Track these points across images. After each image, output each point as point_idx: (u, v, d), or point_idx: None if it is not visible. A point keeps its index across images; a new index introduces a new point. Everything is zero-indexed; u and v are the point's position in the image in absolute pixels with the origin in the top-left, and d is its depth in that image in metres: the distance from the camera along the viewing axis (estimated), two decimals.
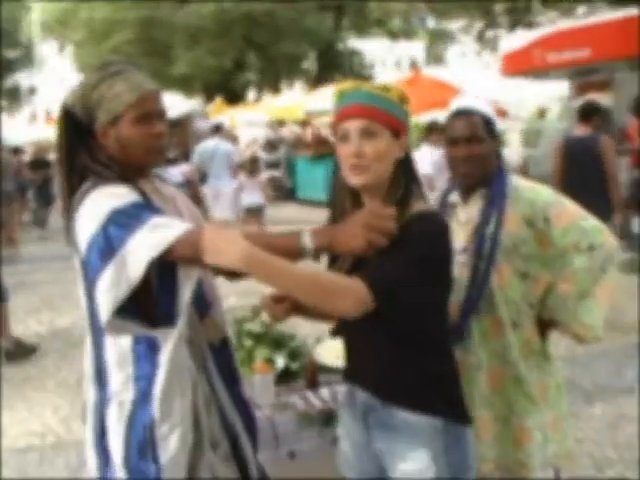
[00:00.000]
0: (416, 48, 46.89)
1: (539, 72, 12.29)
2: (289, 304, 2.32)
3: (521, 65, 12.08)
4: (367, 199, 2.19)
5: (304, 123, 19.93)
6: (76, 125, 2.24)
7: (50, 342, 7.36)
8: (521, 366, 2.72)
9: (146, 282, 2.04)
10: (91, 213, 2.09)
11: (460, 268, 2.59)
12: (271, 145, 19.57)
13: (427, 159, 8.49)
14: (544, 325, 2.80)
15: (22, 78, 51.60)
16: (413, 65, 34.47)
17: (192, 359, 2.24)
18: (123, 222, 2.03)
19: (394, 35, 38.69)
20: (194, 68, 30.57)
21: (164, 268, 2.07)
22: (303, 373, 3.32)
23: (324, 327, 3.32)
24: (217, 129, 12.05)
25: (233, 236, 1.92)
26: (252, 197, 11.06)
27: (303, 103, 22.14)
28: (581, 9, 22.01)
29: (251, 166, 11.30)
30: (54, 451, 4.80)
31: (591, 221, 2.69)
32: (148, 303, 2.13)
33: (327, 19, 32.67)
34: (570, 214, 2.67)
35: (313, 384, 3.23)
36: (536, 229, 2.65)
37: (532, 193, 2.70)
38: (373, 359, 2.22)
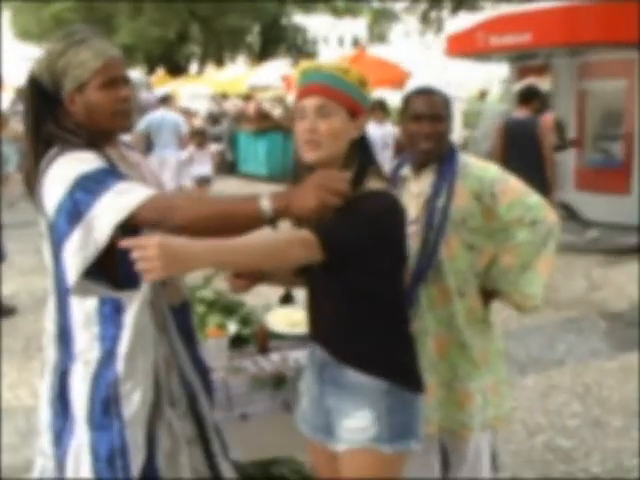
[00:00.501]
0: (359, 26, 46.91)
1: (482, 55, 12.50)
2: (248, 277, 2.45)
3: (465, 47, 12.26)
4: None
5: (247, 97, 19.86)
6: (43, 94, 2.28)
7: None
8: (466, 332, 2.86)
9: (111, 245, 2.10)
10: (58, 178, 2.14)
11: (410, 238, 2.71)
12: (214, 118, 19.47)
13: (371, 136, 8.66)
14: (487, 294, 2.95)
15: None
16: (356, 43, 34.50)
17: (153, 321, 2.32)
18: (90, 187, 2.09)
19: (338, 12, 38.63)
20: (137, 38, 30.14)
21: (129, 232, 2.12)
22: (254, 339, 3.42)
23: (272, 296, 3.44)
24: (164, 100, 12.03)
25: (185, 250, 1.87)
26: (201, 168, 11.52)
27: (246, 77, 22.10)
28: None
29: (200, 138, 11.63)
30: (2, 417, 4.81)
31: (534, 197, 2.83)
32: (112, 266, 2.20)
33: None
34: (515, 190, 2.81)
35: (264, 349, 3.33)
36: (483, 204, 2.78)
37: (481, 170, 2.84)
38: (329, 319, 2.35)
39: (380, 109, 10.35)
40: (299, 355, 3.25)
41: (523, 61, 12.12)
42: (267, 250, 2.01)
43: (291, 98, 18.27)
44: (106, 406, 2.25)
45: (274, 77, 19.30)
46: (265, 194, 2.05)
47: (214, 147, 13.07)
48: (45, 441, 2.40)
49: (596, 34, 10.17)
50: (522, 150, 7.29)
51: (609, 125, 11.14)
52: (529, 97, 7.57)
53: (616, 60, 10.69)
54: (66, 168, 2.15)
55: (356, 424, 2.27)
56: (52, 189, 2.16)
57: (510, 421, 3.14)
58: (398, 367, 2.30)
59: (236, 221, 2.08)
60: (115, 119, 2.30)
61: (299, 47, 37.22)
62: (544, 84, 11.70)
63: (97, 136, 2.30)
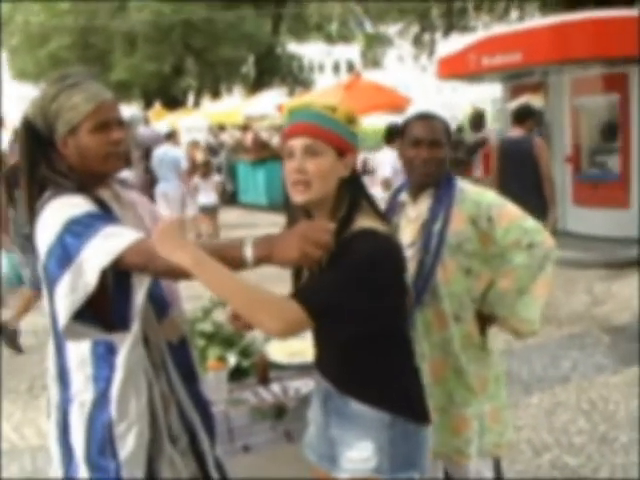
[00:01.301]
0: (353, 52, 47.19)
1: (474, 75, 12.58)
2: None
3: (456, 69, 12.35)
4: (315, 215, 2.28)
5: (244, 128, 19.95)
6: (37, 136, 2.31)
7: None
8: (462, 358, 2.87)
9: (103, 288, 2.13)
10: (49, 223, 2.17)
11: (407, 262, 2.74)
12: (212, 150, 19.57)
13: (388, 162, 8.78)
14: (484, 320, 2.95)
15: None
16: (351, 69, 34.69)
17: (149, 358, 2.34)
18: (78, 231, 2.12)
19: (332, 39, 38.89)
20: (132, 74, 30.30)
21: (119, 274, 2.16)
22: (254, 370, 3.43)
23: None
24: (169, 136, 12.51)
25: (184, 240, 2.01)
26: (207, 197, 12.22)
27: (242, 107, 22.18)
28: (514, 14, 22.50)
29: (205, 168, 12.37)
30: (8, 457, 4.81)
31: (531, 221, 2.85)
32: (105, 308, 2.22)
33: (265, 24, 32.70)
34: (511, 215, 2.83)
35: (264, 380, 3.34)
36: (479, 228, 2.81)
37: (477, 195, 2.87)
38: (331, 351, 2.36)
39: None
40: (300, 385, 3.26)
41: (516, 80, 12.20)
42: (249, 303, 2.01)
43: None
44: (102, 447, 2.27)
45: (270, 106, 19.37)
46: (249, 241, 2.04)
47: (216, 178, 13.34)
48: (59, 476, 2.42)
49: (586, 50, 10.25)
50: (518, 169, 7.30)
51: (605, 139, 11.19)
52: (524, 116, 7.59)
53: (608, 74, 10.77)
54: (56, 213, 2.18)
55: (358, 455, 2.27)
56: (43, 233, 2.19)
57: (512, 446, 3.12)
58: (401, 398, 2.29)
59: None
60: (107, 162, 2.32)
61: (295, 75, 37.44)
62: (537, 102, 11.80)
63: (89, 178, 2.32)
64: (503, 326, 2.97)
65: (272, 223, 14.07)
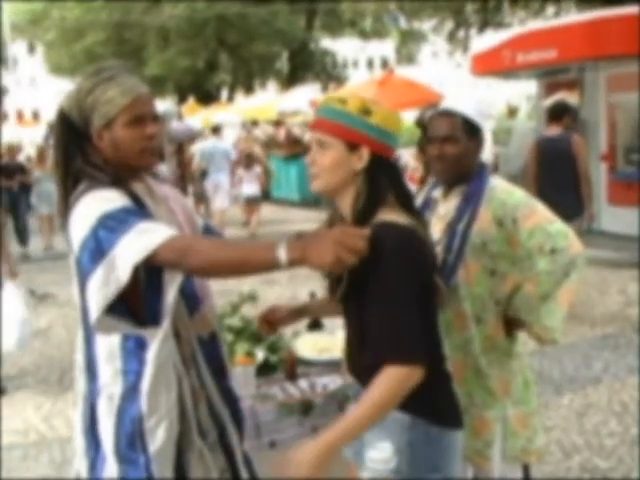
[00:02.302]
0: (387, 48, 47.07)
1: (508, 72, 12.48)
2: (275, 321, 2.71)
3: (491, 65, 12.26)
4: (340, 207, 2.29)
5: (277, 123, 19.98)
6: (72, 129, 2.31)
7: (28, 341, 7.38)
8: (482, 360, 2.82)
9: (135, 283, 2.13)
10: (83, 216, 2.17)
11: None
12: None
13: None
14: (511, 324, 2.89)
15: None
16: (385, 65, 34.60)
17: (180, 353, 2.34)
18: (112, 226, 2.12)
19: (366, 35, 38.82)
20: (166, 69, 30.49)
21: (152, 270, 2.17)
22: (282, 366, 3.43)
23: (300, 323, 3.45)
24: (215, 130, 13.26)
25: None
26: (250, 188, 13.11)
27: (276, 103, 22.19)
28: (550, 9, 22.28)
29: (248, 160, 13.15)
30: (37, 448, 4.87)
31: (557, 225, 2.74)
32: (137, 303, 2.23)
33: (299, 19, 32.71)
34: (537, 217, 2.74)
35: (292, 376, 3.34)
36: (505, 229, 2.74)
37: (505, 194, 2.78)
38: (358, 350, 2.34)
39: None
40: (327, 381, 3.25)
41: (551, 77, 12.08)
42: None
43: None
44: (132, 441, 2.27)
45: (303, 102, 19.36)
46: (282, 243, 2.03)
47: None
48: (82, 467, 2.43)
49: (622, 46, 10.11)
50: (556, 168, 7.23)
51: None
52: (560, 113, 7.49)
53: None
54: (91, 207, 2.18)
55: (378, 455, 2.24)
56: (77, 227, 2.19)
57: (543, 454, 3.06)
58: (423, 401, 2.22)
59: (251, 267, 2.09)
60: (142, 156, 2.32)
61: (328, 71, 37.41)
62: (573, 99, 11.67)
63: (124, 172, 2.32)
64: (528, 332, 2.90)
65: (304, 219, 14.10)
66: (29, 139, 24.81)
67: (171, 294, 2.21)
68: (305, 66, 35.59)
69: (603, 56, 10.35)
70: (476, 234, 2.75)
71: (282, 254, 2.01)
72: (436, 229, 2.82)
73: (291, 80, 33.54)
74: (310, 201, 17.05)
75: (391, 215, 2.18)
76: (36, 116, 30.60)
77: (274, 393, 3.21)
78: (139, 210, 2.24)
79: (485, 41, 12.75)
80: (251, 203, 13.30)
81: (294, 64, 35.76)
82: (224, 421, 2.49)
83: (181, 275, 2.22)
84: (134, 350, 2.28)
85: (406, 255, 2.14)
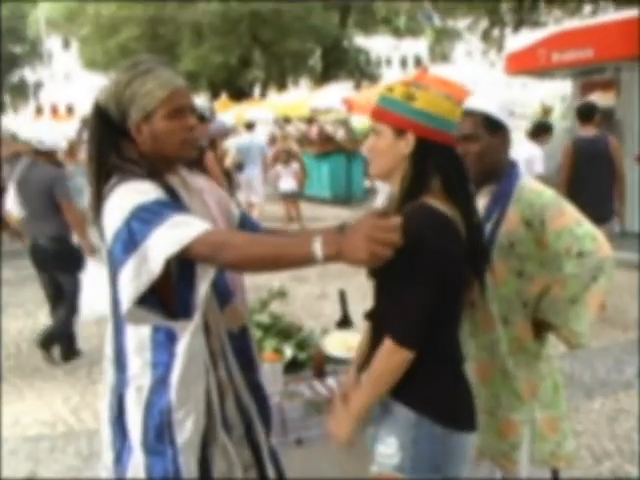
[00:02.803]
0: (421, 46, 46.87)
1: (543, 71, 12.33)
2: None
3: (526, 64, 12.12)
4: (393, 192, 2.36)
5: (309, 120, 19.96)
6: (108, 123, 2.32)
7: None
8: (509, 361, 2.78)
9: (167, 275, 2.14)
10: (116, 208, 2.18)
11: None
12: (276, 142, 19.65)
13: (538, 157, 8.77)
14: (540, 326, 2.84)
15: (28, 73, 51.83)
16: (419, 63, 34.46)
17: (208, 346, 2.34)
18: (146, 218, 2.12)
19: (400, 33, 38.67)
20: (200, 65, 30.62)
21: (184, 263, 2.17)
22: (310, 363, 3.41)
23: (329, 320, 3.41)
24: (249, 126, 13.35)
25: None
26: (287, 184, 13.47)
27: (308, 100, 22.17)
28: (587, 8, 22.03)
29: (286, 157, 13.44)
30: (65, 440, 4.90)
31: (585, 227, 2.69)
32: (168, 295, 2.24)
33: (333, 16, 32.66)
34: (565, 218, 2.68)
35: (320, 374, 3.32)
36: (534, 230, 2.69)
37: (534, 194, 2.73)
38: (379, 343, 2.33)
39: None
40: None
41: (587, 77, 11.92)
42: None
43: (354, 120, 18.31)
44: (160, 433, 2.28)
45: (336, 100, 19.33)
46: (318, 239, 2.02)
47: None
48: (108, 458, 2.44)
49: None
50: (593, 169, 7.18)
51: None
52: (590, 113, 7.44)
53: None
54: (124, 198, 2.18)
55: (384, 450, 2.29)
56: (110, 218, 2.19)
57: (573, 459, 3.01)
58: (433, 401, 2.25)
59: (286, 262, 2.09)
60: (182, 148, 2.33)
61: (361, 69, 37.34)
62: (608, 99, 11.52)
63: (160, 164, 2.33)
64: (557, 334, 2.85)
65: (335, 217, 14.08)
66: (63, 133, 25.05)
67: (203, 288, 2.22)
68: (338, 63, 35.56)
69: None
70: (504, 235, 2.71)
71: (318, 249, 2.01)
72: None
73: (324, 77, 33.55)
74: (341, 199, 17.02)
75: (433, 201, 2.19)
76: (70, 110, 30.86)
77: (302, 391, 3.19)
78: (173, 202, 2.24)
79: (520, 40, 12.60)
80: (289, 198, 13.60)
81: (327, 61, 35.75)
82: (251, 416, 2.49)
83: (214, 270, 2.22)
84: (164, 342, 2.28)
85: (433, 240, 2.14)
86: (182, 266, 2.19)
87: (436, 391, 2.26)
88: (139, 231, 2.11)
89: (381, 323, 2.31)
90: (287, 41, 31.34)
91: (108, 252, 2.27)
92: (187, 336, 2.24)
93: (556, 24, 19.32)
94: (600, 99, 11.92)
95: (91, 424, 5.11)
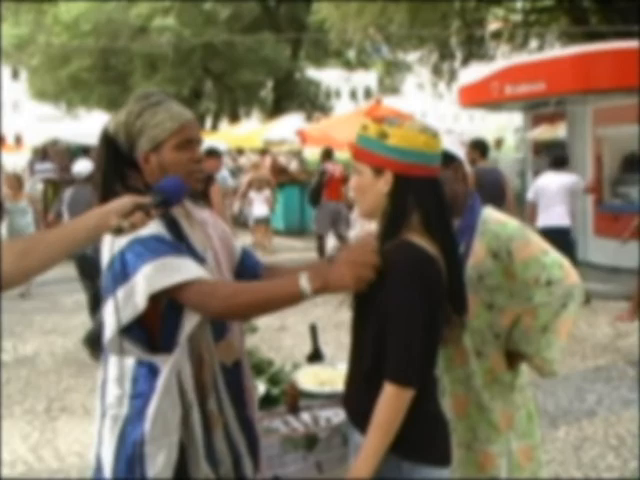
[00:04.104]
0: (371, 79, 47.39)
1: (496, 104, 12.58)
2: None
3: (479, 97, 12.35)
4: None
5: (262, 152, 20.02)
6: (116, 152, 2.34)
7: (14, 369, 7.26)
8: (484, 394, 2.78)
9: (155, 307, 2.17)
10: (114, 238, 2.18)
11: None
12: (230, 174, 19.62)
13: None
14: (512, 356, 2.85)
15: None
16: (369, 95, 34.81)
17: (200, 378, 2.33)
18: (140, 252, 2.15)
19: (350, 65, 39.05)
20: None
21: (174, 301, 2.20)
22: (284, 398, 3.38)
23: (289, 353, 3.39)
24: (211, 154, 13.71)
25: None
26: (260, 209, 14.35)
27: (261, 132, 22.25)
28: (533, 43, 22.56)
29: (259, 184, 14.31)
30: None
31: (552, 255, 2.70)
32: (155, 325, 2.25)
33: (285, 49, 32.84)
34: (531, 248, 2.70)
35: (294, 409, 3.28)
36: (501, 262, 2.70)
37: (498, 226, 2.74)
38: (349, 381, 2.38)
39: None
40: (330, 414, 3.19)
41: (536, 109, 12.18)
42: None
43: (307, 152, 18.42)
44: (130, 465, 2.25)
45: (289, 131, 19.44)
46: (304, 275, 2.11)
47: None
48: None
49: (610, 80, 10.23)
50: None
51: (627, 170, 11.12)
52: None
53: (632, 105, 10.71)
54: None
55: None
56: (107, 246, 2.23)
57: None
58: (400, 436, 2.16)
59: (276, 304, 2.18)
60: (189, 179, 2.34)
61: (312, 101, 37.54)
62: (555, 132, 11.79)
63: None
64: (529, 364, 2.87)
65: (289, 248, 14.11)
66: (12, 164, 24.69)
67: (188, 326, 2.23)
68: (290, 95, 35.70)
69: (591, 90, 10.47)
70: (472, 268, 2.72)
71: (305, 285, 2.08)
72: None
73: (275, 109, 33.63)
74: (295, 230, 17.03)
75: (414, 237, 2.19)
76: (19, 141, 30.40)
77: (276, 427, 3.15)
78: (171, 241, 2.25)
79: (472, 73, 12.85)
80: (261, 224, 14.42)
81: (279, 93, 35.86)
82: (240, 450, 2.47)
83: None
84: (147, 375, 2.28)
85: (414, 275, 2.14)
86: (172, 301, 2.21)
87: (408, 428, 2.18)
88: (131, 263, 2.15)
89: (365, 351, 2.27)
90: (239, 73, 31.37)
91: (103, 278, 2.29)
92: (167, 371, 2.23)
93: (503, 58, 19.74)
94: (547, 132, 12.22)
95: (51, 462, 4.98)
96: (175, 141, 2.30)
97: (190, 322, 2.23)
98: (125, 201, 2.07)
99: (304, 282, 2.08)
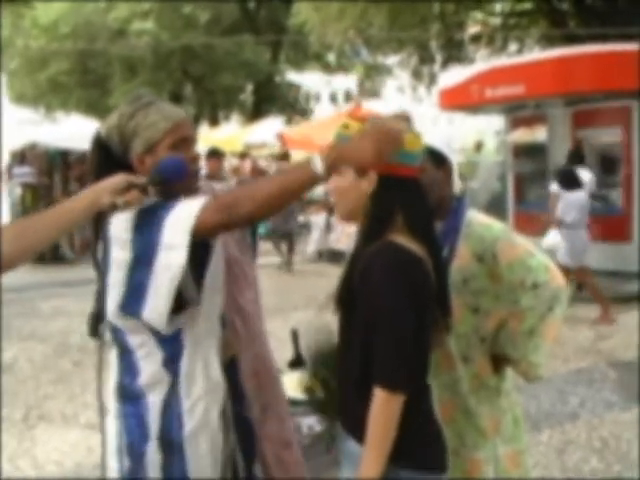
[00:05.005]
0: (351, 82, 47.43)
1: (476, 107, 12.60)
2: None
3: (459, 100, 12.37)
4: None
5: (242, 155, 19.94)
6: (109, 155, 2.33)
7: None
8: (471, 399, 2.75)
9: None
10: (121, 223, 2.16)
11: None
12: (210, 177, 19.57)
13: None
14: (498, 361, 2.82)
15: None
16: (349, 98, 34.84)
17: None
18: (146, 228, 2.13)
19: (330, 69, 39.07)
20: None
21: (200, 253, 2.19)
22: None
23: (281, 360, 3.36)
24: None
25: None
26: None
27: (241, 135, 22.20)
28: (513, 46, 22.67)
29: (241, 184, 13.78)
30: None
31: (537, 258, 2.67)
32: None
33: (265, 52, 32.81)
34: (517, 250, 2.66)
35: None
36: (486, 264, 2.66)
37: (483, 229, 2.71)
38: (342, 387, 2.31)
39: None
40: (312, 422, 3.16)
41: (517, 112, 12.22)
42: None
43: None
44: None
45: (269, 134, 19.41)
46: (315, 155, 2.05)
47: None
48: None
49: (590, 83, 10.29)
50: None
51: (607, 173, 11.17)
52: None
53: (611, 108, 10.78)
54: (123, 218, 2.17)
55: None
56: (117, 228, 2.17)
57: None
58: (396, 445, 2.11)
59: (293, 191, 2.10)
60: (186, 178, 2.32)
61: (292, 104, 37.52)
62: (535, 135, 11.83)
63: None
64: (515, 368, 2.83)
65: (269, 251, 14.04)
66: None
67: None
68: (270, 99, 35.67)
69: (570, 92, 10.52)
70: (456, 271, 2.67)
71: (317, 164, 2.02)
72: None
73: (255, 113, 33.59)
74: (278, 233, 16.95)
75: (399, 238, 2.14)
76: None
77: None
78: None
79: (452, 76, 12.87)
80: None
81: (259, 96, 35.82)
82: (233, 449, 2.45)
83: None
84: (131, 395, 2.30)
85: (399, 277, 2.09)
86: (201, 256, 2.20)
87: (400, 432, 2.14)
88: (154, 226, 2.12)
89: (354, 358, 2.22)
90: (219, 76, 31.28)
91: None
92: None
93: (483, 61, 19.81)
94: (527, 135, 12.26)
95: (29, 472, 4.89)
96: (170, 140, 2.28)
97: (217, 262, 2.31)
98: (118, 179, 2.08)
99: (316, 162, 2.03)
